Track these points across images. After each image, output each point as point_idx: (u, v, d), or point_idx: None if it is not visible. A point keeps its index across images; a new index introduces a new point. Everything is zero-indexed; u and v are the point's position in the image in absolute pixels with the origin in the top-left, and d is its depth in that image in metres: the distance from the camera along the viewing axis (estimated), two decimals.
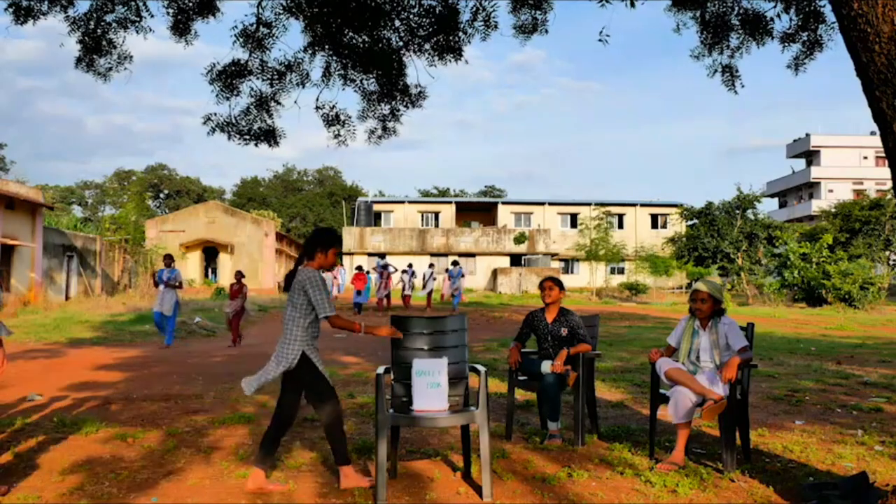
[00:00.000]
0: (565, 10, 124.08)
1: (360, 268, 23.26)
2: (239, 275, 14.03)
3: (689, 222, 38.64)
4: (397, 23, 7.69)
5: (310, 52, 7.90)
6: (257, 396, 7.09)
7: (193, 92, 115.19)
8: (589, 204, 45.48)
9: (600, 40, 7.66)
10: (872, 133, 38.61)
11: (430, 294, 24.75)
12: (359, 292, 22.37)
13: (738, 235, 34.09)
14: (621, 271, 43.80)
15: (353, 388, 7.56)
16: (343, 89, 8.32)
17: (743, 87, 7.82)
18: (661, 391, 4.75)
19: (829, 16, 7.08)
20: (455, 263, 24.86)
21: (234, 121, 7.96)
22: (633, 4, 7.42)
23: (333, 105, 8.14)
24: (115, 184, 73.92)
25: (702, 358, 4.63)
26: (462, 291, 24.53)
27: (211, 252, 41.18)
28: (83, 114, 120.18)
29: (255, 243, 40.79)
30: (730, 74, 7.79)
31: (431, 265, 25.98)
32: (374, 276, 24.58)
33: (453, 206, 48.62)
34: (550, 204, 47.91)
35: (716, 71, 7.79)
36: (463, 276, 24.28)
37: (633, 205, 47.92)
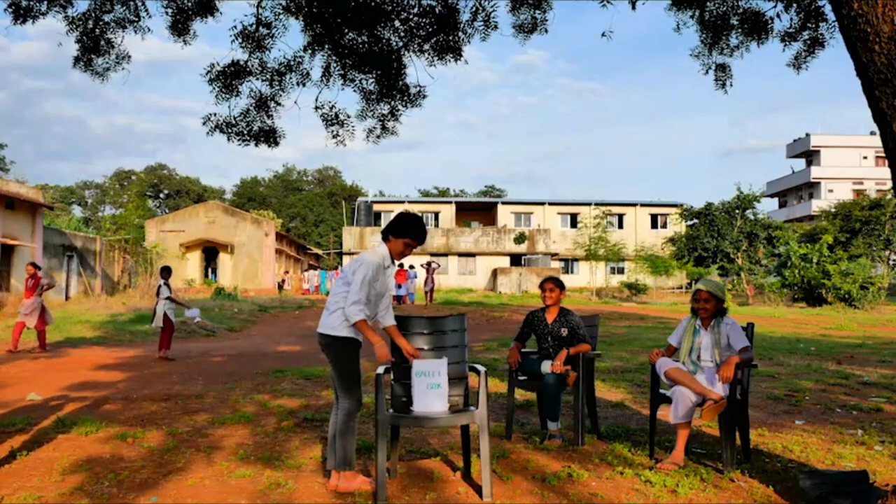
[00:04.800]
0: (567, 11, 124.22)
1: (401, 265, 26.07)
2: (34, 267, 12.03)
3: (689, 222, 38.67)
4: (397, 23, 7.68)
5: (309, 52, 7.89)
6: (257, 396, 7.10)
7: (196, 93, 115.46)
8: (589, 204, 45.49)
9: (603, 34, 7.70)
10: (872, 133, 38.60)
11: (431, 291, 27.23)
12: (399, 286, 25.38)
13: (738, 235, 34.11)
14: (621, 271, 43.80)
15: None
16: (343, 89, 8.31)
17: (732, 86, 7.84)
18: (661, 391, 4.75)
19: (830, 14, 7.08)
20: (411, 266, 27.53)
21: (233, 121, 7.96)
22: (633, 6, 7.43)
23: (333, 105, 8.14)
24: (115, 184, 73.94)
25: (703, 357, 4.62)
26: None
27: (211, 252, 41.20)
28: (86, 115, 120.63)
29: (255, 243, 40.80)
30: (722, 73, 7.79)
31: (426, 264, 28.02)
32: (420, 272, 28.16)
33: (453, 206, 48.62)
34: (550, 204, 47.90)
35: (709, 69, 7.79)
36: (416, 276, 28.10)
37: (633, 205, 47.92)
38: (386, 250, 4.20)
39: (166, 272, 11.28)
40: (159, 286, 10.97)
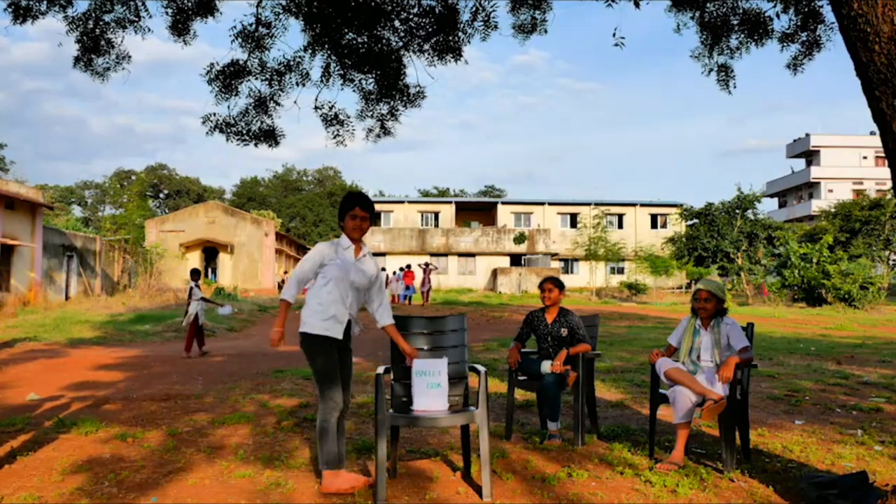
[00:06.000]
0: (568, 11, 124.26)
1: (408, 266, 28.86)
2: None
3: (689, 222, 38.68)
4: (397, 23, 7.68)
5: (309, 51, 7.89)
6: (257, 396, 7.10)
7: (196, 93, 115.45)
8: (589, 204, 45.50)
9: (616, 44, 7.63)
10: (872, 133, 38.60)
11: (428, 292, 28.22)
12: (407, 287, 27.41)
13: (738, 235, 34.11)
14: (621, 271, 43.81)
15: (353, 387, 7.55)
16: (342, 89, 8.32)
17: (736, 87, 7.83)
18: (661, 391, 4.75)
19: (829, 16, 7.08)
20: (401, 269, 29.20)
21: (233, 121, 7.96)
22: (637, 5, 7.41)
23: (332, 105, 8.14)
24: (115, 184, 73.89)
25: (702, 357, 4.62)
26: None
27: (211, 252, 41.19)
28: (86, 115, 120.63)
29: (255, 243, 40.80)
30: (724, 74, 7.78)
31: (423, 265, 28.98)
32: (418, 272, 29.68)
33: (453, 206, 48.60)
34: (550, 204, 47.90)
35: (711, 70, 7.78)
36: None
37: (633, 205, 47.92)
38: (343, 237, 4.13)
39: (196, 274, 11.75)
40: (191, 288, 11.50)
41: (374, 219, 44.79)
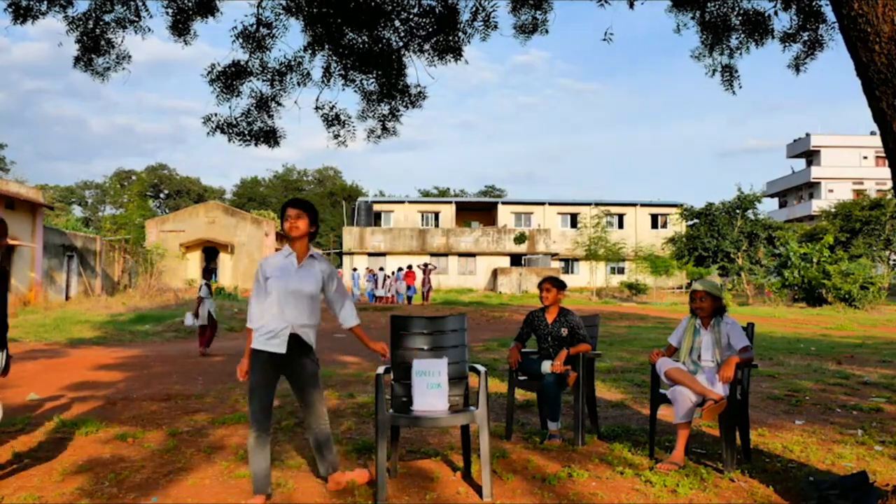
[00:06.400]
0: (569, 11, 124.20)
1: (410, 266, 29.48)
2: None
3: (690, 222, 38.68)
4: (397, 23, 7.69)
5: (310, 52, 7.90)
6: None
7: (196, 93, 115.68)
8: (589, 204, 45.49)
9: (604, 39, 7.67)
10: (872, 133, 38.55)
11: (428, 292, 28.59)
12: (409, 287, 28.10)
13: (739, 235, 34.11)
14: (621, 271, 43.80)
15: (353, 388, 7.56)
16: (343, 89, 8.33)
17: (741, 87, 7.84)
18: (661, 391, 4.75)
19: (830, 15, 7.09)
20: (400, 269, 29.60)
21: (234, 122, 7.97)
22: (631, 5, 7.43)
23: (333, 105, 8.16)
24: (115, 184, 73.91)
25: (703, 357, 4.63)
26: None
27: (211, 252, 41.18)
28: (86, 115, 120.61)
29: (255, 243, 40.79)
30: (729, 74, 7.79)
31: (423, 265, 29.39)
32: (418, 273, 29.99)
33: (453, 206, 48.58)
34: (550, 204, 47.89)
35: (715, 70, 7.79)
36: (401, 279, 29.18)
37: (633, 205, 47.91)
38: (286, 246, 4.04)
39: (208, 273, 11.92)
40: (201, 286, 11.89)
41: (375, 219, 44.81)
